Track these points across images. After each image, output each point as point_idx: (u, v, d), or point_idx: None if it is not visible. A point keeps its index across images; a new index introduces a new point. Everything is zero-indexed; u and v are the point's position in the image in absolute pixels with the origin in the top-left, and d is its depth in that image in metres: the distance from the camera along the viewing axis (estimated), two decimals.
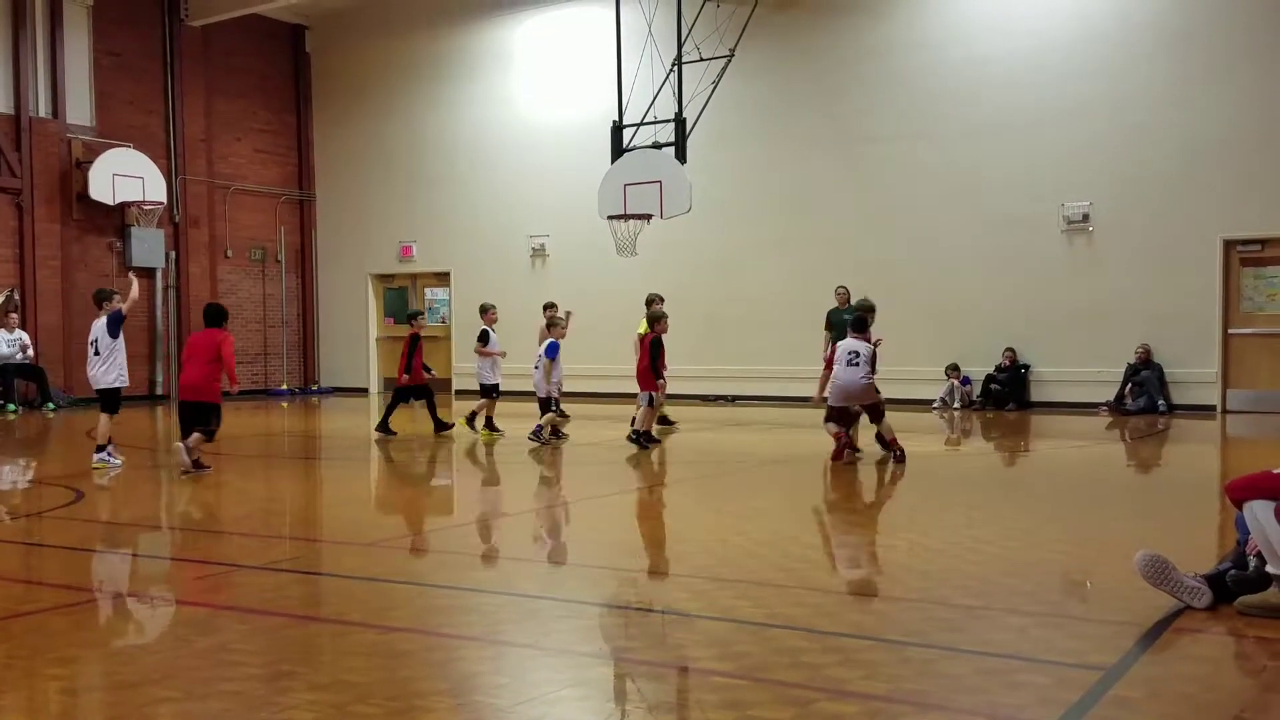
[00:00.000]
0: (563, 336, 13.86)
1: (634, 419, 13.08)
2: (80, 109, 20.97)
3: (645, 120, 17.96)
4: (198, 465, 10.76)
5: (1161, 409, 16.31)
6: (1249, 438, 14.19)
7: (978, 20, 18.01)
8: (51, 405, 19.18)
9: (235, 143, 23.60)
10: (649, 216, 17.35)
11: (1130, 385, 16.67)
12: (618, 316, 18.79)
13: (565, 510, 9.35)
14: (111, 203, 20.57)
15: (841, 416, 11.18)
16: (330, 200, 24.73)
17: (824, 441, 11.87)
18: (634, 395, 13.27)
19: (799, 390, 15.51)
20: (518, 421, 14.77)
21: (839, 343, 11.32)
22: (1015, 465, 12.51)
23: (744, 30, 18.43)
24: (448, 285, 23.33)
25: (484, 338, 14.54)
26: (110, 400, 11.46)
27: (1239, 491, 5.26)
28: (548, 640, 5.04)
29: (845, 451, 11.01)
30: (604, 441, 13.46)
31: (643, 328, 14.01)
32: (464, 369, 21.49)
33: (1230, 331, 16.49)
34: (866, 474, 10.95)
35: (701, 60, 18.10)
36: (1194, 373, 16.59)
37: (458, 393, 22.00)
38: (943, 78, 18.11)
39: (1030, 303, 17.58)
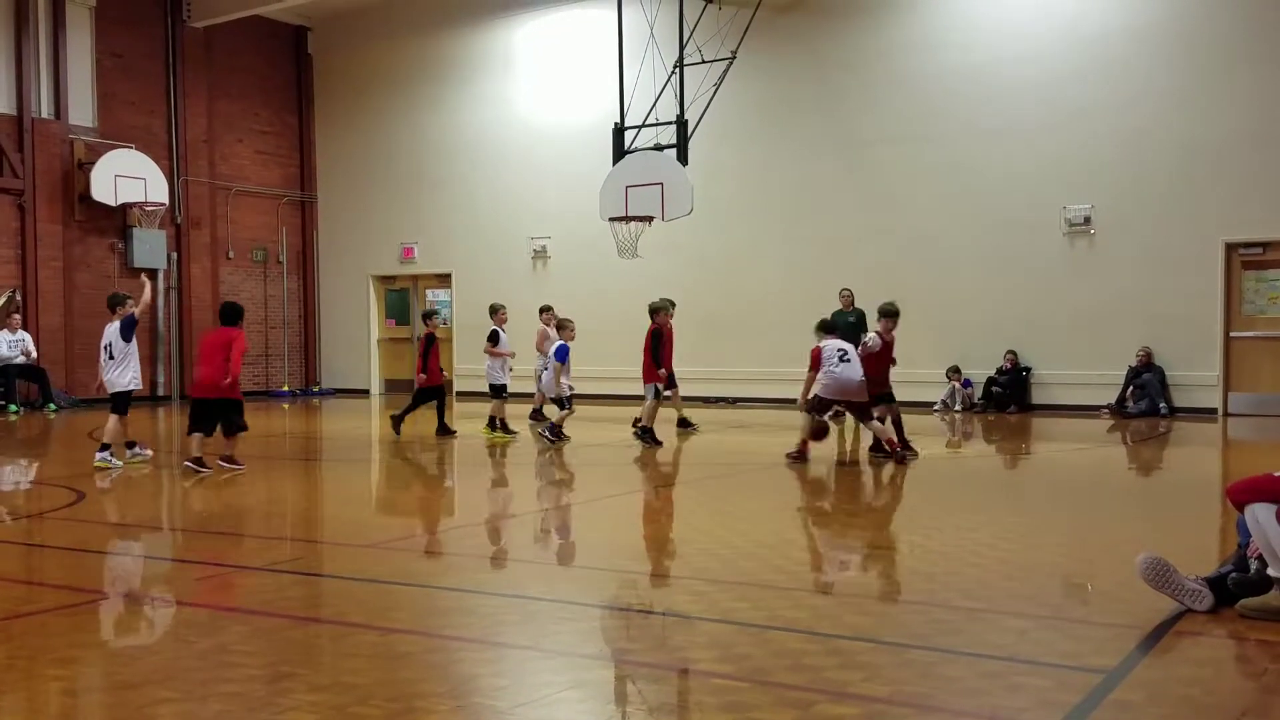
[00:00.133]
0: (572, 339, 13.92)
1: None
2: (82, 110, 20.99)
3: (647, 122, 17.97)
4: (230, 461, 10.96)
5: (1163, 412, 16.31)
6: (1250, 441, 14.18)
7: (979, 23, 18.01)
8: (53, 406, 19.20)
9: (237, 144, 23.62)
10: (650, 218, 17.36)
11: (1131, 388, 16.66)
12: (619, 318, 18.80)
13: (566, 512, 9.35)
14: (113, 204, 20.59)
15: (826, 408, 11.41)
16: (332, 202, 24.74)
17: (824, 444, 11.90)
18: (635, 396, 13.29)
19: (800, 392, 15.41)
20: (512, 423, 14.81)
21: (824, 344, 11.42)
22: (1016, 468, 12.50)
23: (745, 32, 18.45)
24: (449, 287, 23.34)
25: (494, 338, 14.55)
26: (121, 402, 11.55)
27: (1240, 494, 5.26)
28: (548, 642, 5.03)
29: (805, 451, 11.26)
30: (605, 443, 13.45)
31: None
32: (464, 370, 21.52)
33: (1232, 334, 16.48)
34: (867, 477, 10.95)
35: (703, 62, 18.12)
36: (1195, 375, 16.59)
37: (459, 394, 22.00)
38: (944, 80, 18.12)
39: (1032, 305, 17.58)
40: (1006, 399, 17.39)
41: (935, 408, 17.70)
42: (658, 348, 13.47)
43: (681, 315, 14.84)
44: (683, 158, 17.40)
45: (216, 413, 10.97)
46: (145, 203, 20.96)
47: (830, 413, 11.47)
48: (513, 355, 14.80)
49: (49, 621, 5.45)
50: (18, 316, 19.33)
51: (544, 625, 5.34)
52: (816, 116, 19.19)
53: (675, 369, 14.32)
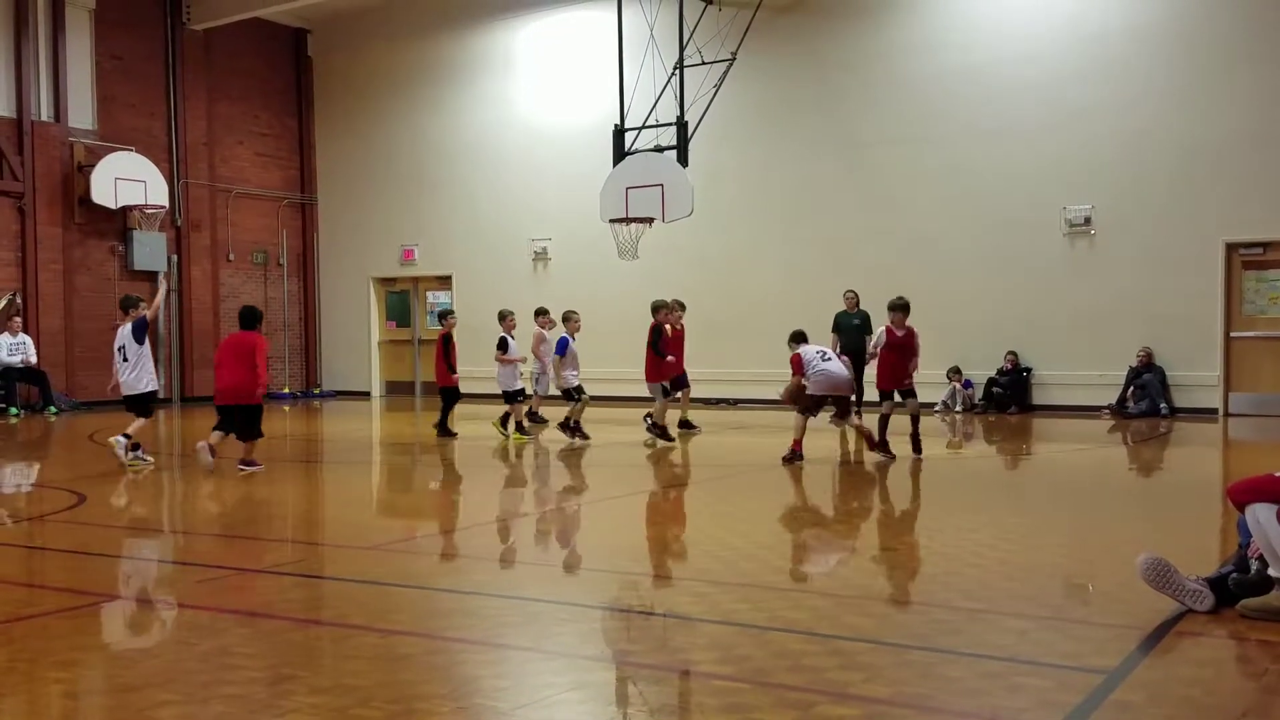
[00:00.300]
0: (578, 330, 13.99)
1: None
2: (82, 112, 21.00)
3: (647, 124, 17.97)
4: (249, 463, 11.09)
5: (1163, 412, 16.31)
6: (1251, 441, 14.18)
7: (979, 24, 18.02)
8: (53, 409, 19.20)
9: (237, 146, 23.63)
10: (651, 220, 17.37)
11: (1132, 388, 16.66)
12: (619, 319, 18.80)
13: (567, 513, 9.35)
14: (113, 206, 20.59)
15: (819, 406, 11.66)
16: (332, 204, 24.75)
17: (824, 445, 11.95)
18: (635, 397, 13.33)
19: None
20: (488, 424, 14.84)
21: (803, 348, 11.75)
22: (1017, 468, 12.50)
23: (745, 34, 18.45)
24: (449, 289, 23.34)
25: (503, 345, 14.53)
26: (143, 404, 11.73)
27: (1241, 494, 5.26)
28: (549, 644, 5.04)
29: (798, 455, 11.39)
30: (606, 444, 13.45)
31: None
32: (463, 372, 21.45)
33: (1232, 335, 16.48)
34: (868, 478, 10.96)
35: (703, 64, 18.12)
36: (1196, 376, 16.59)
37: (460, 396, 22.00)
38: (944, 81, 18.13)
39: (1032, 306, 17.58)
40: (1007, 400, 17.39)
41: (936, 408, 17.69)
42: (657, 343, 13.54)
43: (683, 316, 14.88)
44: (683, 159, 17.41)
45: (240, 418, 11.14)
46: (145, 205, 20.95)
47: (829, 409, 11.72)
48: (523, 360, 14.80)
49: (50, 624, 5.46)
50: (18, 319, 19.33)
51: (545, 627, 5.34)
52: (817, 118, 19.20)
53: (681, 371, 14.41)
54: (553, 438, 14.46)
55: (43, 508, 9.56)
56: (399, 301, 24.52)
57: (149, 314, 11.81)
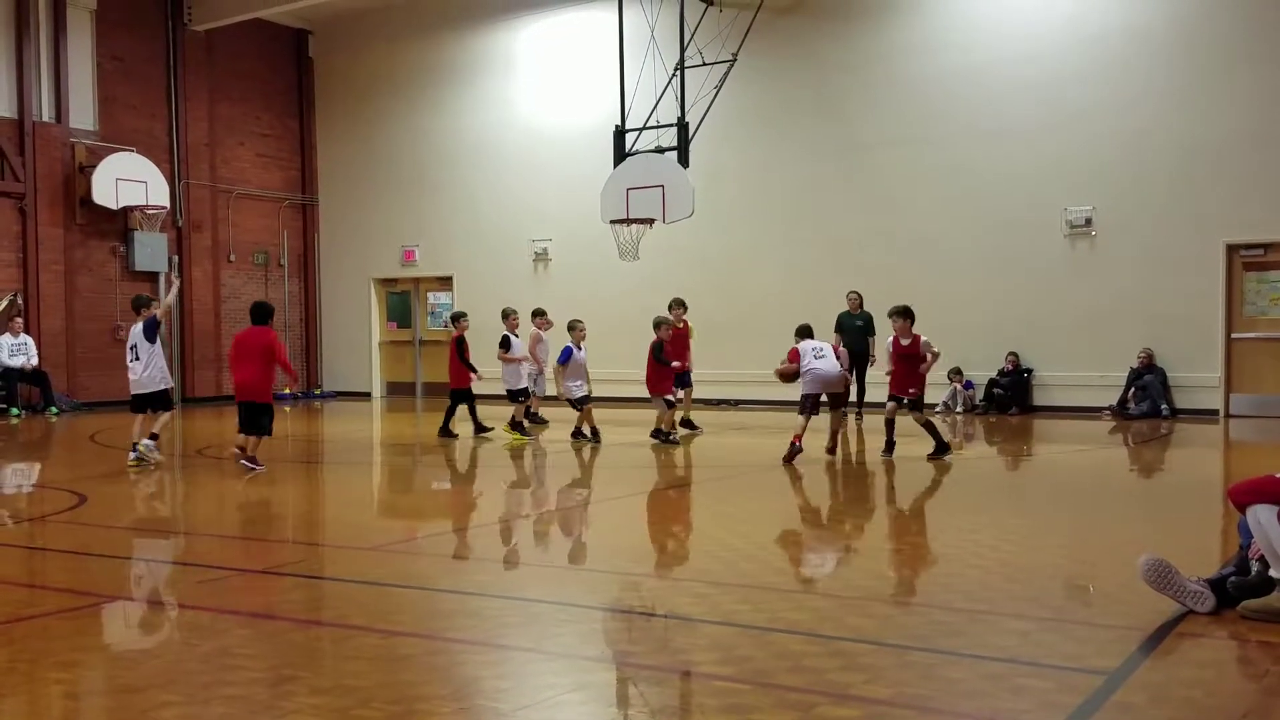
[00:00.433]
0: (583, 338, 14.03)
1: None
2: (83, 113, 21.00)
3: (648, 124, 17.98)
4: (252, 462, 11.21)
5: (1164, 413, 16.30)
6: (1252, 442, 14.17)
7: (979, 24, 18.02)
8: (54, 409, 19.20)
9: (238, 147, 23.63)
10: (652, 221, 17.37)
11: (1133, 389, 16.66)
12: (620, 320, 18.81)
13: (568, 514, 9.35)
14: (115, 207, 20.58)
15: (815, 405, 11.86)
16: (333, 204, 24.75)
17: (824, 446, 11.93)
18: (636, 399, 13.35)
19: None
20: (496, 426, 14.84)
21: (803, 343, 12.05)
22: (1018, 469, 12.50)
23: (746, 35, 18.45)
24: (450, 290, 23.34)
25: (505, 343, 14.53)
26: (161, 400, 11.93)
27: (1242, 496, 5.26)
28: (550, 644, 5.04)
29: (798, 452, 11.55)
30: (606, 445, 13.45)
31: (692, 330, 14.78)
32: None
33: (1233, 336, 16.47)
34: (868, 479, 10.96)
35: (704, 65, 18.12)
36: (1197, 377, 16.58)
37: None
38: (944, 82, 18.13)
39: (1033, 307, 17.57)
40: (1008, 401, 17.39)
41: (937, 409, 17.68)
42: (659, 357, 13.58)
43: (684, 314, 14.89)
44: (683, 160, 17.41)
45: (258, 414, 11.28)
46: (146, 206, 20.95)
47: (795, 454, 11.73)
48: (526, 359, 14.79)
49: (51, 625, 5.46)
50: (20, 320, 19.33)
51: (546, 627, 5.34)
52: (817, 118, 19.20)
53: (685, 368, 14.44)
54: (553, 438, 14.46)
55: (44, 508, 9.56)
56: (400, 302, 24.52)
57: (159, 313, 11.96)
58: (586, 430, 13.69)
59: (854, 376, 16.63)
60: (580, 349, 13.98)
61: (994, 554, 6.85)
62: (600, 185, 17.78)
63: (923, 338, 11.85)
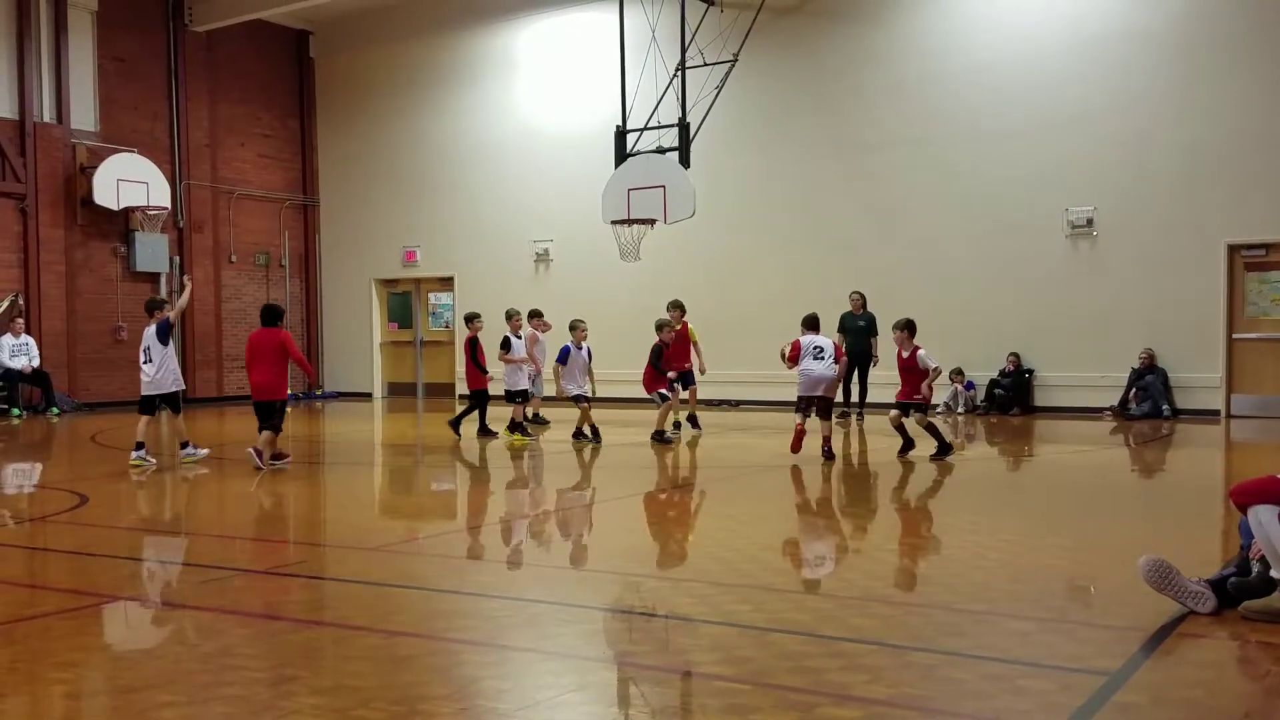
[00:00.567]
0: (584, 338, 14.06)
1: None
2: (84, 114, 21.01)
3: (649, 125, 17.98)
4: (277, 457, 11.50)
5: (1165, 414, 16.29)
6: (1253, 443, 14.17)
7: (980, 26, 18.02)
8: (55, 410, 19.20)
9: (239, 148, 23.64)
10: (653, 221, 17.37)
11: (1134, 390, 16.65)
12: (621, 321, 18.81)
13: (568, 514, 9.35)
14: (116, 208, 20.59)
15: (809, 406, 11.97)
16: (334, 205, 24.76)
17: (820, 451, 11.93)
18: (638, 400, 13.35)
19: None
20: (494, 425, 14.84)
21: (805, 337, 12.07)
22: (1019, 470, 12.49)
23: (747, 35, 18.46)
24: (451, 290, 23.35)
25: (506, 344, 14.54)
26: (172, 402, 12.06)
27: (1243, 496, 5.26)
28: (551, 645, 5.03)
29: (802, 442, 11.88)
30: (607, 445, 13.45)
31: (694, 334, 14.75)
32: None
33: (1234, 336, 16.47)
34: (870, 480, 10.95)
35: (705, 65, 18.13)
36: (1198, 378, 16.57)
37: (461, 397, 22.01)
38: (945, 83, 18.13)
39: (1034, 307, 17.57)
40: (1009, 401, 17.38)
41: (938, 410, 17.67)
42: (658, 361, 13.68)
43: (683, 316, 14.87)
44: (685, 160, 17.41)
45: (271, 412, 11.55)
46: (147, 207, 20.95)
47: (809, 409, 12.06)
48: (526, 361, 14.78)
49: (52, 625, 5.46)
50: (21, 321, 19.34)
51: (546, 628, 5.34)
52: (818, 119, 19.20)
53: (686, 368, 14.43)
54: (553, 439, 14.46)
55: (45, 509, 9.56)
56: (401, 303, 24.53)
57: (172, 315, 12.14)
58: (587, 430, 13.69)
59: (856, 377, 16.68)
60: (581, 348, 14.00)
61: (995, 554, 6.85)
62: (601, 186, 17.78)
63: (920, 351, 11.71)
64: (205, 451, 12.20)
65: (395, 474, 12.74)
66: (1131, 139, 16.84)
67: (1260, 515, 5.14)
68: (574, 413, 14.10)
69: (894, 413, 11.91)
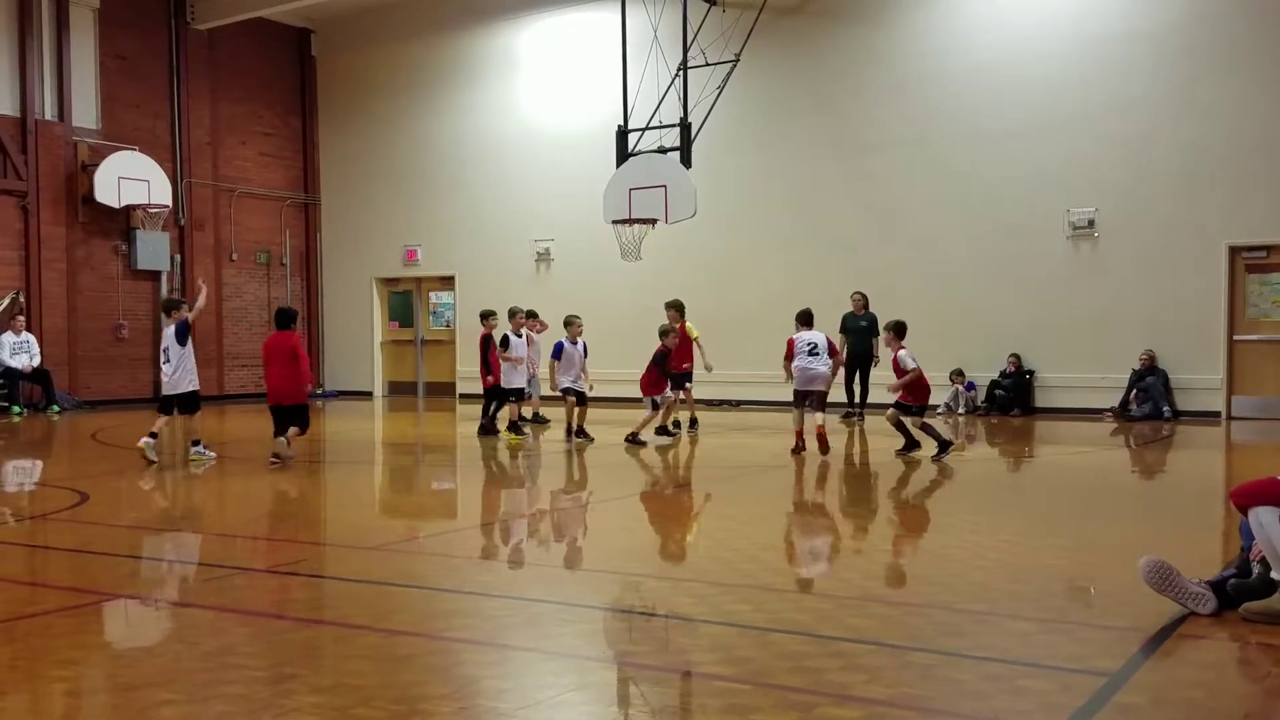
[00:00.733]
0: (579, 333, 14.08)
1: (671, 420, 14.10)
2: (86, 112, 21.01)
3: (650, 125, 17.98)
4: (279, 457, 11.57)
5: (1166, 415, 16.28)
6: (1254, 444, 14.17)
7: (981, 26, 18.02)
8: (56, 408, 19.20)
9: (240, 146, 23.65)
10: (654, 221, 17.37)
11: (1135, 391, 16.65)
12: (622, 321, 18.81)
13: (568, 514, 9.35)
14: (117, 205, 20.59)
15: (805, 401, 12.16)
16: (335, 204, 24.76)
17: (816, 449, 11.96)
18: (636, 399, 13.36)
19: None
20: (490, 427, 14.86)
21: (800, 334, 12.27)
22: (1019, 471, 12.49)
23: (749, 35, 18.46)
24: (452, 289, 23.35)
25: (505, 343, 14.54)
26: (190, 402, 12.09)
27: (1244, 498, 5.26)
28: (551, 644, 5.04)
29: (804, 446, 12.03)
30: (607, 445, 13.45)
31: (693, 331, 14.82)
32: (465, 373, 21.50)
33: (1235, 338, 16.46)
34: (869, 479, 10.95)
35: (707, 65, 18.13)
36: (1199, 379, 16.57)
37: (462, 396, 22.04)
38: (946, 84, 18.12)
39: (1035, 308, 17.57)
40: (1010, 402, 17.38)
41: (939, 411, 17.66)
42: (663, 365, 13.68)
43: (680, 317, 14.88)
44: (686, 160, 17.40)
45: (293, 415, 11.65)
46: (149, 205, 20.96)
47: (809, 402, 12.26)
48: (523, 360, 14.77)
49: (52, 623, 5.46)
50: (21, 318, 19.34)
51: (547, 627, 5.34)
52: (820, 119, 19.20)
53: (684, 369, 14.43)
54: (554, 438, 14.46)
55: (45, 506, 9.57)
56: (401, 302, 24.53)
57: (191, 316, 12.17)
58: (572, 429, 13.67)
59: (858, 377, 16.70)
60: (576, 344, 14.02)
61: (995, 554, 6.85)
62: (603, 185, 17.78)
63: (901, 352, 11.72)
64: (214, 456, 12.14)
65: (395, 473, 12.74)
66: (1132, 139, 16.83)
67: (1261, 517, 5.14)
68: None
69: (891, 411, 11.94)
